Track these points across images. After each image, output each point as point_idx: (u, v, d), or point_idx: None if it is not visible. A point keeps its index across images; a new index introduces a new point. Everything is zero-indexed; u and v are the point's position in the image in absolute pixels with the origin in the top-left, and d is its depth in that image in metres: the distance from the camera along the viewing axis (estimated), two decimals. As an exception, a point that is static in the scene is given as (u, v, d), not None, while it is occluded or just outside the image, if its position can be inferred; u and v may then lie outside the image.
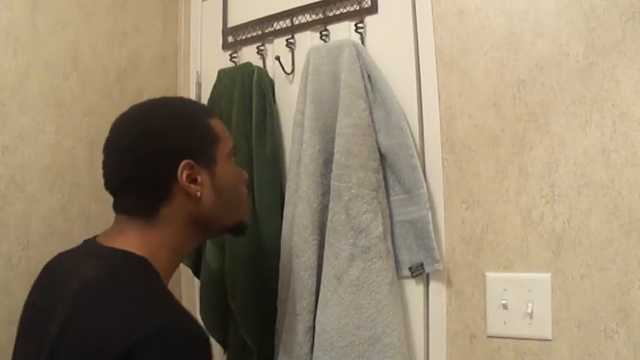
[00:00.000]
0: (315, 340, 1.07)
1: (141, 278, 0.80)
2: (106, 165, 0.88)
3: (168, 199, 0.84)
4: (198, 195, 0.85)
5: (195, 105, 0.96)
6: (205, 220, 0.89)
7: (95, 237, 0.89)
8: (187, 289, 1.49)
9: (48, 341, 0.76)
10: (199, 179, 0.85)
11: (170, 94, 1.52)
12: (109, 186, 0.88)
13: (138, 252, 0.82)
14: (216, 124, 0.91)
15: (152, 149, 0.84)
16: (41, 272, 0.92)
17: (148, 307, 0.75)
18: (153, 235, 0.84)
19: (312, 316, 1.09)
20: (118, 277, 0.79)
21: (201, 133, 0.88)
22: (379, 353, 1.03)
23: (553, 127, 1.00)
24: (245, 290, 1.20)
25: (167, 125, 0.86)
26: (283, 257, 1.18)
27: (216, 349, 1.36)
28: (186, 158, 0.84)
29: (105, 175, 0.88)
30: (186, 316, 0.77)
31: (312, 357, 1.08)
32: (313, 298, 1.10)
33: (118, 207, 0.88)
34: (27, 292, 1.13)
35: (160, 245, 0.84)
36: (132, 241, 0.83)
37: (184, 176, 0.83)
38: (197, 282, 1.35)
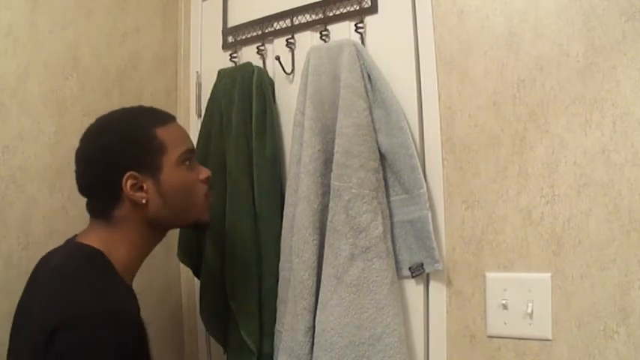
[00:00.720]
0: (315, 340, 1.07)
1: (86, 266, 0.91)
2: (75, 172, 0.99)
3: (119, 205, 0.95)
4: (144, 202, 0.95)
5: (147, 115, 1.02)
6: (156, 222, 0.98)
7: (76, 235, 1.00)
8: (187, 289, 1.49)
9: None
10: (145, 187, 0.95)
11: (170, 94, 1.52)
12: (79, 190, 0.99)
13: (96, 246, 0.93)
14: (166, 133, 0.98)
15: (100, 161, 0.96)
16: (32, 271, 1.01)
17: (78, 291, 0.85)
18: (111, 232, 0.95)
19: (312, 316, 1.09)
20: (67, 266, 0.91)
21: (145, 144, 0.96)
22: (379, 353, 1.03)
23: (553, 127, 1.00)
24: (245, 290, 1.20)
25: (114, 138, 0.96)
26: (283, 257, 1.18)
27: (217, 348, 1.36)
28: (130, 169, 0.94)
29: (76, 181, 0.99)
30: (115, 302, 0.86)
31: (312, 357, 1.08)
32: (313, 298, 1.10)
33: (87, 209, 1.00)
34: (27, 292, 1.13)
35: (118, 241, 0.95)
36: (94, 237, 0.95)
37: (128, 186, 0.94)
38: (197, 282, 1.35)
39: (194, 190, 1.01)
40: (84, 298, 0.85)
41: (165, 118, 1.02)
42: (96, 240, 0.94)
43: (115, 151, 0.95)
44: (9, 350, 0.94)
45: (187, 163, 1.00)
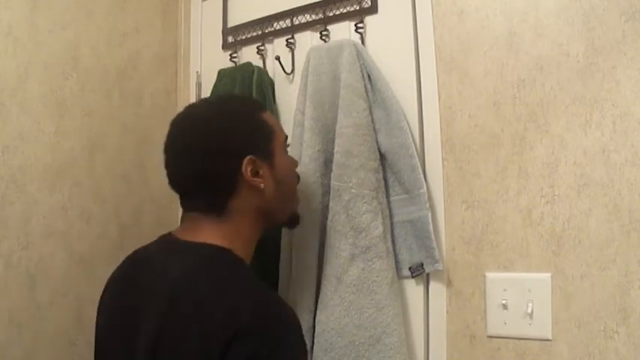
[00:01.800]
0: (315, 340, 1.07)
1: (233, 267, 0.86)
2: (170, 165, 0.93)
3: (235, 194, 0.90)
4: (262, 187, 0.91)
5: (248, 101, 1.02)
6: (268, 211, 0.94)
7: (170, 233, 0.93)
8: (187, 289, 1.48)
9: (144, 340, 0.79)
10: (261, 172, 0.91)
11: (170, 94, 1.52)
12: (175, 185, 0.93)
13: (222, 244, 0.87)
14: (270, 118, 0.98)
15: (216, 148, 0.90)
16: (119, 274, 0.93)
17: (247, 293, 0.80)
18: (227, 228, 0.89)
19: (312, 316, 1.09)
20: (211, 269, 0.84)
21: (259, 128, 0.94)
22: (379, 353, 1.03)
23: (553, 127, 1.00)
24: (245, 290, 1.20)
25: (227, 124, 0.92)
26: (283, 257, 1.18)
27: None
28: (249, 154, 0.90)
29: (170, 175, 0.92)
30: (280, 299, 0.85)
31: (312, 357, 1.08)
32: (313, 298, 1.10)
33: (188, 205, 0.93)
34: (26, 292, 1.14)
35: (235, 237, 0.89)
36: (211, 235, 0.88)
37: (248, 171, 0.89)
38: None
39: (294, 176, 1.02)
40: (257, 301, 0.79)
41: (263, 105, 1.02)
42: (214, 238, 0.87)
43: (231, 135, 0.91)
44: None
45: (286, 149, 1.00)
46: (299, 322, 0.81)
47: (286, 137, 1.00)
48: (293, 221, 1.04)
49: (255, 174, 0.91)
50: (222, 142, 0.91)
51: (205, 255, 0.86)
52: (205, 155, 0.90)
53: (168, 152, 0.93)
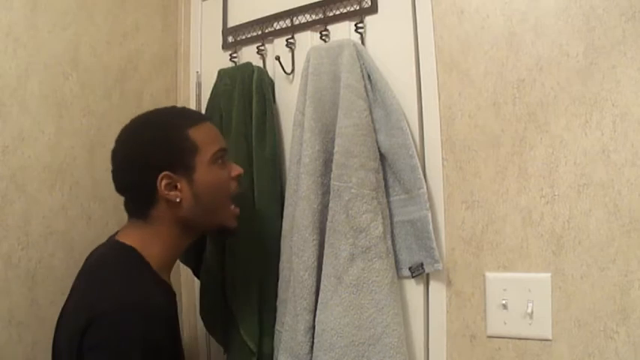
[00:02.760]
0: (315, 340, 1.07)
1: (116, 262, 0.96)
2: (112, 171, 1.03)
3: (154, 204, 0.99)
4: (178, 200, 0.98)
5: (179, 116, 1.06)
6: (189, 222, 1.01)
7: (115, 233, 1.05)
8: (187, 289, 1.49)
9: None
10: (179, 186, 0.98)
11: (170, 94, 1.52)
12: (116, 189, 1.04)
13: (129, 243, 0.97)
14: (198, 133, 1.01)
15: (136, 162, 1.00)
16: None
17: (106, 286, 0.90)
18: (146, 231, 0.99)
19: (312, 316, 1.09)
20: (98, 264, 0.97)
21: (179, 144, 0.99)
22: (379, 353, 1.03)
23: (553, 127, 1.00)
24: (245, 290, 1.20)
25: (148, 140, 1.00)
26: (283, 257, 1.18)
27: (217, 348, 1.36)
28: (165, 169, 0.97)
29: (112, 180, 1.03)
30: (139, 293, 0.89)
31: (312, 357, 1.08)
32: (313, 298, 1.09)
33: (125, 208, 1.04)
34: (27, 292, 1.14)
35: (152, 239, 0.98)
36: (130, 235, 0.99)
37: (163, 185, 0.97)
38: (197, 282, 1.35)
39: (225, 187, 1.04)
40: (111, 292, 0.88)
41: (197, 119, 1.05)
42: (131, 237, 0.98)
43: (150, 152, 0.98)
44: (53, 354, 0.98)
45: (220, 161, 1.03)
46: (152, 317, 0.87)
47: (220, 150, 1.02)
48: (223, 232, 1.08)
49: (173, 188, 0.98)
50: (141, 157, 0.99)
51: (106, 252, 0.99)
52: (128, 167, 1.01)
53: (111, 159, 1.03)
